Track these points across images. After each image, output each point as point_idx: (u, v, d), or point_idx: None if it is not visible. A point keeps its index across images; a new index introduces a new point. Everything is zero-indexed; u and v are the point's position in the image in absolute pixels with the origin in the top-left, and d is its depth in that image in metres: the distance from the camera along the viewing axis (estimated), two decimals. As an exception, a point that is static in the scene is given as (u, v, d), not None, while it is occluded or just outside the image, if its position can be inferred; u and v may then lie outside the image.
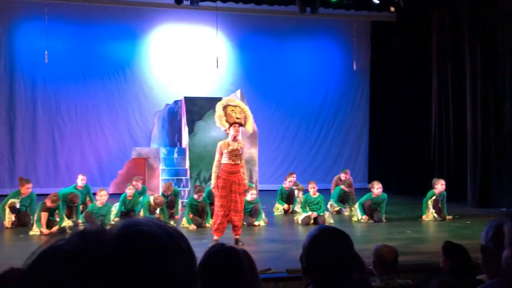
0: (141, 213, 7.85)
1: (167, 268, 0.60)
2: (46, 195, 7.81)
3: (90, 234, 0.61)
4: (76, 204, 7.98)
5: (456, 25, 10.97)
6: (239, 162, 6.13)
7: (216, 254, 1.56)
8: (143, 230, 0.62)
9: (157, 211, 7.80)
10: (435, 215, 8.35)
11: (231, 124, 6.11)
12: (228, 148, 6.07)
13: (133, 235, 0.61)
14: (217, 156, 6.15)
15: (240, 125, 6.20)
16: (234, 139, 6.12)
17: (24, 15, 11.99)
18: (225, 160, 6.09)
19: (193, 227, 7.59)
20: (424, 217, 8.39)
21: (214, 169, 6.18)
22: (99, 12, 12.25)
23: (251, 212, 7.98)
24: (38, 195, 8.21)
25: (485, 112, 10.14)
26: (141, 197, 8.55)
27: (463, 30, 10.57)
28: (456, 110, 11.13)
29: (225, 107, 6.18)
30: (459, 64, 10.88)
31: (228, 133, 6.20)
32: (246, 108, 6.40)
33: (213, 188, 6.23)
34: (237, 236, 6.28)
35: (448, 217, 8.43)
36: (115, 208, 8.21)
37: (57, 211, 7.42)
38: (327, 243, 1.54)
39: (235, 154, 6.07)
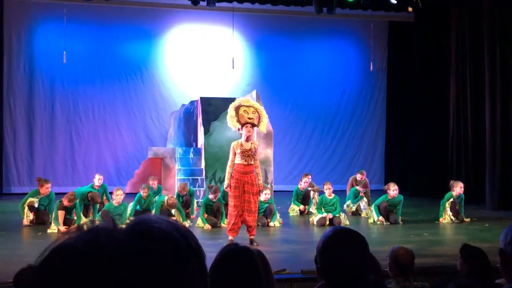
0: (153, 213, 7.89)
1: (178, 265, 0.60)
2: (64, 194, 7.91)
3: (102, 231, 0.61)
4: (96, 203, 8.05)
5: (475, 25, 10.81)
6: (252, 163, 6.13)
7: (230, 254, 1.56)
8: (154, 227, 0.62)
9: (173, 211, 7.82)
10: (453, 217, 8.25)
11: (243, 125, 6.12)
12: (241, 148, 6.08)
13: (144, 232, 0.61)
14: (230, 156, 6.18)
15: (253, 125, 6.19)
16: (247, 139, 6.13)
17: (43, 16, 12.17)
18: (238, 160, 6.11)
19: (208, 227, 7.61)
20: (441, 219, 8.29)
21: (228, 169, 6.22)
22: (117, 13, 12.37)
23: (266, 212, 7.97)
24: (56, 193, 8.31)
25: (504, 113, 9.98)
26: (156, 197, 8.60)
27: (482, 30, 10.42)
28: (474, 111, 10.97)
29: (237, 108, 6.19)
30: (478, 64, 10.72)
31: (241, 134, 6.21)
32: (261, 108, 6.37)
33: (226, 188, 6.27)
34: (252, 237, 6.27)
35: (466, 219, 8.32)
36: (130, 207, 8.28)
37: (74, 210, 7.51)
38: (341, 244, 1.53)
39: (247, 155, 6.07)
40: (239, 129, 6.20)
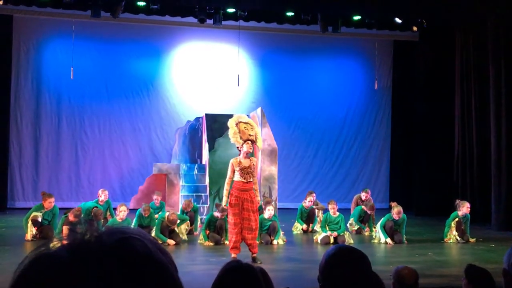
0: (153, 231, 7.82)
1: (155, 262, 0.61)
2: (68, 209, 7.93)
3: (82, 240, 0.61)
4: (98, 220, 8.04)
5: (480, 44, 10.86)
6: (251, 180, 6.10)
7: (232, 271, 1.55)
8: (128, 231, 0.63)
9: (176, 228, 7.77)
10: (458, 237, 8.18)
11: (244, 141, 6.13)
12: (240, 165, 6.06)
13: (125, 245, 0.62)
14: (229, 173, 6.16)
15: (252, 142, 6.19)
16: (246, 156, 6.12)
17: (52, 33, 12.33)
18: (237, 177, 6.08)
19: (208, 243, 7.58)
20: (446, 239, 8.22)
21: (226, 186, 6.19)
22: (124, 30, 12.52)
23: (269, 230, 7.93)
24: (60, 208, 8.32)
25: (509, 132, 9.95)
26: (159, 213, 8.59)
27: (487, 49, 10.46)
28: (479, 129, 10.95)
29: (237, 124, 6.19)
30: (483, 83, 10.74)
31: (240, 150, 6.20)
32: (256, 125, 6.42)
33: (224, 205, 6.23)
34: (254, 255, 6.22)
35: (471, 239, 8.24)
36: (133, 223, 8.26)
37: (79, 225, 7.50)
38: (344, 262, 1.52)
39: (247, 172, 6.05)
40: (240, 146, 6.17)
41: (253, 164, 6.13)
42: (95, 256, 0.58)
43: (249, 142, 6.13)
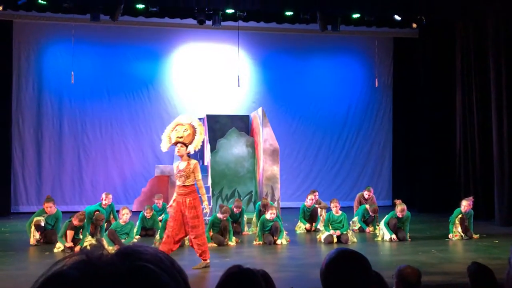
0: (157, 235, 7.84)
1: (168, 280, 0.62)
2: (71, 212, 7.94)
3: (94, 258, 0.62)
4: (99, 225, 8.06)
5: (480, 41, 10.84)
6: (188, 184, 5.89)
7: (232, 276, 1.56)
8: (140, 251, 0.64)
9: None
10: (462, 233, 8.17)
11: (175, 144, 5.91)
12: (177, 168, 5.95)
13: (132, 253, 0.63)
14: None
15: (184, 144, 5.89)
16: (182, 158, 5.95)
17: (52, 37, 12.36)
18: (176, 181, 5.99)
19: (212, 244, 7.59)
20: (450, 235, 8.22)
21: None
22: (124, 33, 12.53)
23: (271, 230, 7.94)
24: (63, 212, 8.35)
25: (511, 127, 9.93)
26: (162, 215, 8.61)
27: (487, 46, 10.44)
28: (481, 126, 10.93)
29: (174, 127, 5.96)
30: (484, 79, 10.72)
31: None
32: (197, 125, 6.01)
33: (168, 206, 6.16)
34: (204, 261, 6.01)
35: (475, 235, 8.24)
36: (137, 226, 8.29)
37: (81, 230, 7.52)
38: (344, 266, 1.53)
39: (181, 175, 5.88)
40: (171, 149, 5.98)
41: (189, 168, 5.87)
42: (106, 282, 0.59)
43: (178, 145, 5.85)
